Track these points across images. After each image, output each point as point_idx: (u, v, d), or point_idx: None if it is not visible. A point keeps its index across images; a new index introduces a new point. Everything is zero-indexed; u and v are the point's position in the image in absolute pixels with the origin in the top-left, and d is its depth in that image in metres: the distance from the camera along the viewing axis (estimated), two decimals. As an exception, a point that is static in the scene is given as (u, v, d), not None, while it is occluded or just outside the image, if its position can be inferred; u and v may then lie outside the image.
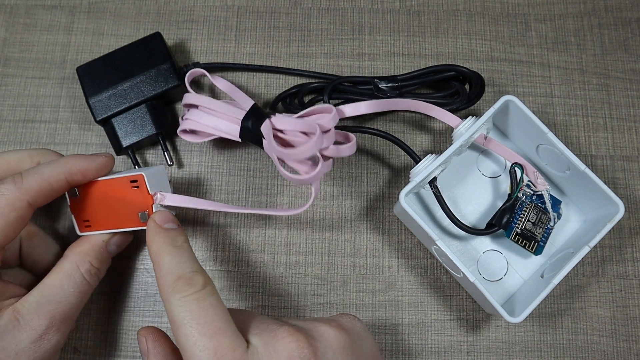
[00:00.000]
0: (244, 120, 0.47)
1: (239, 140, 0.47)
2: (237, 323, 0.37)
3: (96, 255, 0.44)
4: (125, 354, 0.49)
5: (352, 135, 0.47)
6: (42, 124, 0.53)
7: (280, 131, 0.46)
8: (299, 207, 0.47)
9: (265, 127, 0.45)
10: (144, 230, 0.50)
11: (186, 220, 0.51)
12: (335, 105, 0.47)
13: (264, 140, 0.46)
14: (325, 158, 0.46)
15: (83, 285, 0.42)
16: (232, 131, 0.47)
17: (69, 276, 0.42)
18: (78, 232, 0.45)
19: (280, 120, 0.46)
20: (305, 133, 0.45)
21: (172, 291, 0.36)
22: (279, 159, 0.45)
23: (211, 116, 0.48)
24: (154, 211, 0.43)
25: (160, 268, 0.38)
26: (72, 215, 0.45)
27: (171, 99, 0.53)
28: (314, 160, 0.45)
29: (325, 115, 0.45)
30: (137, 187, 0.44)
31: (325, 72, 0.55)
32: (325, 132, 0.45)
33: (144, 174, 0.43)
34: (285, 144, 0.46)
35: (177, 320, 0.35)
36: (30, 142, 0.53)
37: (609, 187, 0.46)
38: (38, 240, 0.47)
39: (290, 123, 0.45)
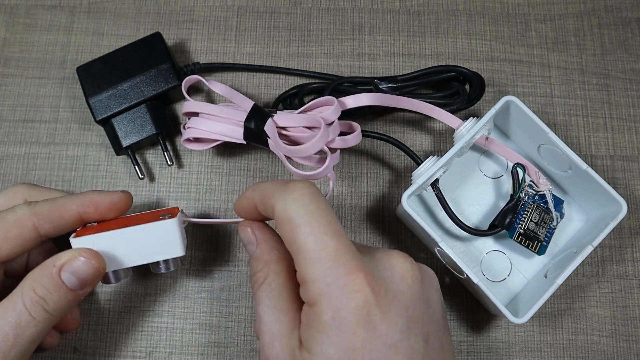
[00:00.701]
0: (246, 122, 0.47)
1: (244, 142, 0.47)
2: None
3: (42, 282, 0.38)
4: (125, 354, 0.49)
5: (356, 124, 0.47)
6: (42, 124, 0.53)
7: (284, 129, 0.46)
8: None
9: (269, 127, 0.45)
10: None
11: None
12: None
13: (269, 140, 0.46)
14: (332, 150, 0.46)
15: (22, 316, 0.37)
16: (236, 134, 0.47)
17: (12, 303, 0.38)
18: (71, 238, 0.41)
19: (283, 118, 0.46)
20: (309, 127, 0.45)
21: (284, 192, 0.35)
22: (286, 156, 0.45)
23: (213, 122, 0.48)
24: (177, 216, 0.42)
25: (261, 184, 0.38)
26: (75, 232, 0.43)
27: (171, 99, 0.53)
28: (321, 154, 0.45)
29: (327, 108, 0.45)
30: (169, 211, 0.44)
31: (325, 72, 0.55)
32: (329, 124, 0.45)
33: (179, 207, 0.45)
34: (290, 141, 0.46)
35: (295, 218, 0.34)
36: (30, 142, 0.53)
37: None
38: (46, 248, 0.46)
39: (293, 119, 0.46)
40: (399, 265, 0.36)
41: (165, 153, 0.51)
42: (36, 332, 0.38)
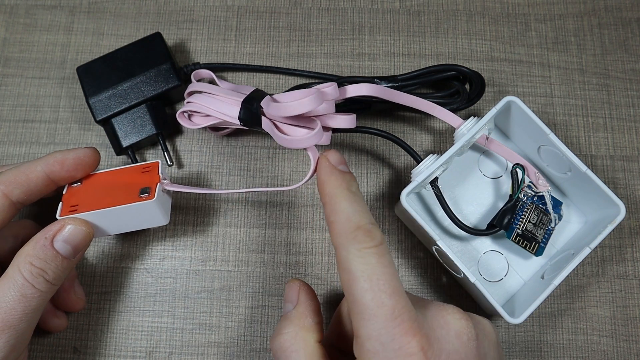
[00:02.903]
0: (244, 101, 0.46)
1: (238, 123, 0.47)
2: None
3: (38, 254, 0.39)
4: (125, 354, 0.49)
5: (352, 113, 0.47)
6: (42, 124, 0.53)
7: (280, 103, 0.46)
8: (299, 181, 0.47)
9: (265, 102, 0.45)
10: (145, 231, 0.50)
11: (186, 220, 0.51)
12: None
13: (263, 118, 0.45)
14: (325, 129, 0.45)
15: (26, 289, 0.38)
16: (233, 113, 0.47)
17: (10, 279, 0.38)
18: (57, 217, 0.42)
19: (280, 95, 0.46)
20: None
21: (351, 240, 0.35)
22: (276, 128, 0.45)
23: (213, 99, 0.48)
24: (157, 190, 0.43)
25: (337, 212, 0.36)
26: (61, 202, 0.44)
27: (171, 99, 0.53)
28: (312, 129, 0.45)
29: (326, 88, 0.45)
30: (149, 171, 0.44)
31: (325, 72, 0.55)
32: (326, 100, 0.44)
33: (159, 162, 0.44)
34: None
35: (355, 272, 0.34)
36: (30, 142, 0.53)
37: (609, 188, 0.46)
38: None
39: (290, 95, 0.45)
40: (454, 322, 0.35)
41: (165, 153, 0.51)
42: (41, 302, 0.39)
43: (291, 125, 0.45)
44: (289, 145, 0.44)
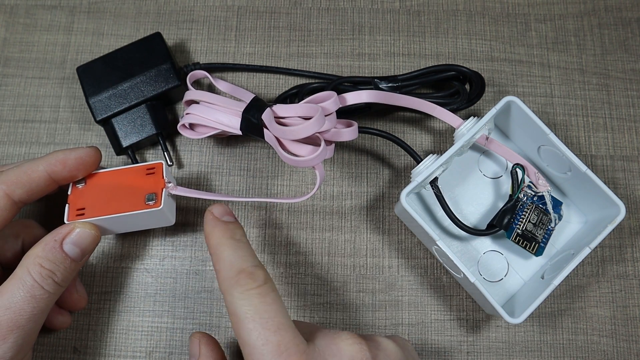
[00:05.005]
0: (245, 112, 0.46)
1: (240, 133, 0.47)
2: (299, 328, 0.37)
3: (47, 256, 0.40)
4: (125, 354, 0.49)
5: (353, 121, 0.47)
6: (42, 124, 0.53)
7: (282, 118, 0.46)
8: (304, 194, 0.47)
9: (267, 115, 0.45)
10: (145, 231, 0.50)
11: (186, 220, 0.51)
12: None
13: (265, 130, 0.46)
14: (327, 143, 0.45)
15: (35, 290, 0.39)
16: (233, 124, 0.47)
17: (19, 280, 0.39)
18: (65, 221, 0.43)
19: (281, 108, 0.46)
20: (307, 118, 0.45)
21: (234, 285, 0.36)
22: (280, 144, 0.45)
23: (212, 109, 0.48)
24: (163, 196, 0.43)
25: (221, 261, 0.38)
26: (67, 204, 0.44)
27: (171, 99, 0.53)
28: (315, 145, 0.45)
29: (326, 100, 0.45)
30: (153, 173, 0.44)
31: (325, 72, 0.55)
32: (327, 115, 0.45)
33: (163, 162, 0.45)
34: None
35: (239, 314, 0.35)
36: (30, 142, 0.53)
37: (609, 188, 0.46)
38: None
39: (291, 109, 0.45)
40: (346, 349, 0.36)
41: (165, 153, 0.51)
42: (49, 303, 0.40)
43: (295, 141, 0.45)
44: (295, 165, 0.44)
